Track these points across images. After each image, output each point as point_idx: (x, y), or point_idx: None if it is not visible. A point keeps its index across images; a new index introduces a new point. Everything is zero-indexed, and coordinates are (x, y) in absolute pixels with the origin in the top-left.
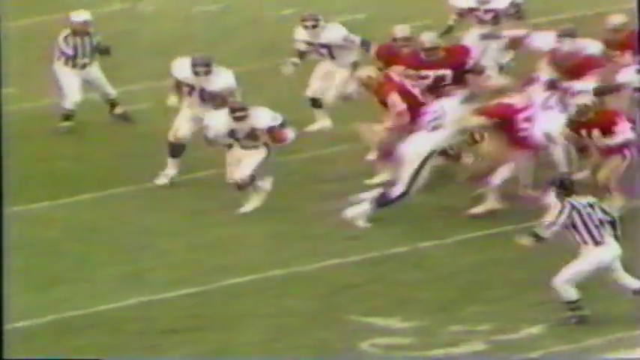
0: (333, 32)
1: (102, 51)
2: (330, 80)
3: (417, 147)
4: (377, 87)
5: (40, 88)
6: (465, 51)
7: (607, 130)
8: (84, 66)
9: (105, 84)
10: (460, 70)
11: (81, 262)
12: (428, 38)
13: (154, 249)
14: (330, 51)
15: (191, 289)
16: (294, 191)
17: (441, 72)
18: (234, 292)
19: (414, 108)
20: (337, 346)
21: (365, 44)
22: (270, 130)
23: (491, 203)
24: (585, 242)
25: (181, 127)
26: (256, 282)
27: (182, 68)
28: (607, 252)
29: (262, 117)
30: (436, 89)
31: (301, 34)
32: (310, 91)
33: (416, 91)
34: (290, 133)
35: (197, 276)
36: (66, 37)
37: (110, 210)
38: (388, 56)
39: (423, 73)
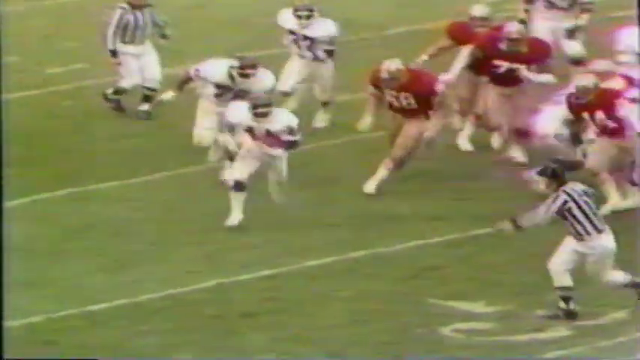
0: (324, 28)
1: (163, 35)
2: (313, 78)
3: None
4: (411, 79)
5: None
6: (545, 48)
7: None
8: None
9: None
10: (534, 64)
11: (154, 244)
12: (515, 28)
13: (230, 229)
14: (312, 46)
15: (269, 271)
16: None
17: (515, 65)
18: (313, 274)
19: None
20: (418, 331)
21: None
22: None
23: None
24: (587, 232)
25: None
26: (336, 264)
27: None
28: (610, 239)
29: (281, 119)
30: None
31: (289, 23)
32: (286, 86)
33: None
34: (291, 140)
35: (275, 257)
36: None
37: (184, 189)
38: (461, 35)
39: (497, 62)
